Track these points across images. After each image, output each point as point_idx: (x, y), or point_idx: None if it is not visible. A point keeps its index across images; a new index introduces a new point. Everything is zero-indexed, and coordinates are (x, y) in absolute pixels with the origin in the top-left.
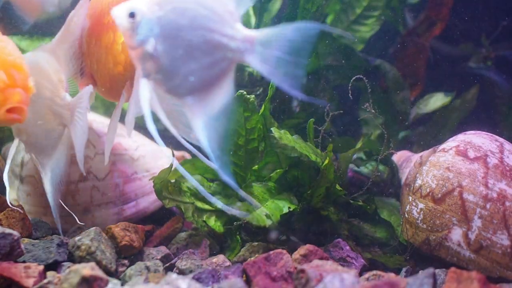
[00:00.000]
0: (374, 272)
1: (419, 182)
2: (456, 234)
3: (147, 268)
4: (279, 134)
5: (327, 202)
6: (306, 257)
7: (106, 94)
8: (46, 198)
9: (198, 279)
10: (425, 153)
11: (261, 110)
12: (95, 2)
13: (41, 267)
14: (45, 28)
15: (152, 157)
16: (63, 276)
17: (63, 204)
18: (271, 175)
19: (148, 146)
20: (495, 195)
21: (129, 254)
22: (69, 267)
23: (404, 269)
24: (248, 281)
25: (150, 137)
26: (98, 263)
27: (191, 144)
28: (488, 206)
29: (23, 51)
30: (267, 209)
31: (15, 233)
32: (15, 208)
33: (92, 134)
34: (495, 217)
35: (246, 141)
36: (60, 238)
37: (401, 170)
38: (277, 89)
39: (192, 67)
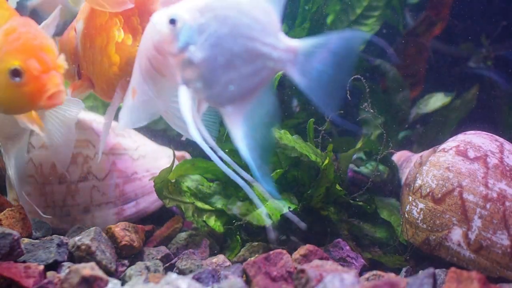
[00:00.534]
0: (374, 272)
1: (419, 182)
2: (456, 234)
3: (147, 268)
4: (279, 134)
5: (327, 202)
6: (306, 257)
7: (104, 95)
8: (46, 198)
9: (198, 279)
10: (425, 153)
11: None
12: (88, 5)
13: (41, 267)
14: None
15: (152, 157)
16: (63, 276)
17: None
18: (271, 175)
19: (148, 146)
20: (495, 195)
21: (129, 254)
22: (69, 267)
23: (404, 269)
24: (248, 281)
25: (150, 137)
26: (98, 263)
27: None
28: (488, 206)
29: None
30: (267, 209)
31: (15, 233)
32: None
33: (92, 134)
34: (495, 217)
35: None
36: (60, 238)
37: (401, 170)
38: (277, 89)
39: (232, 76)
